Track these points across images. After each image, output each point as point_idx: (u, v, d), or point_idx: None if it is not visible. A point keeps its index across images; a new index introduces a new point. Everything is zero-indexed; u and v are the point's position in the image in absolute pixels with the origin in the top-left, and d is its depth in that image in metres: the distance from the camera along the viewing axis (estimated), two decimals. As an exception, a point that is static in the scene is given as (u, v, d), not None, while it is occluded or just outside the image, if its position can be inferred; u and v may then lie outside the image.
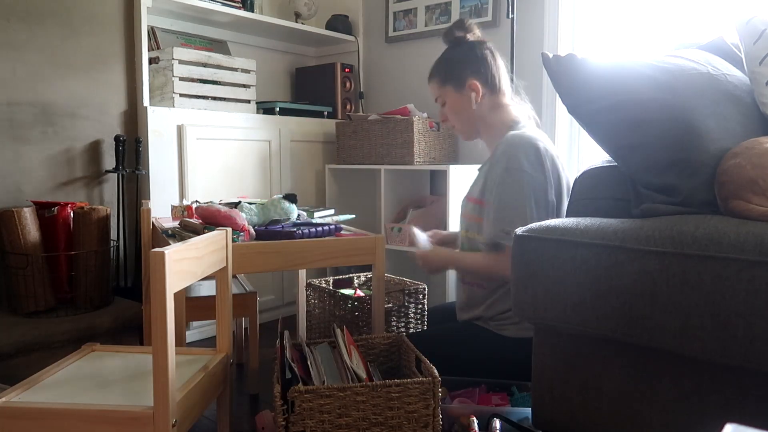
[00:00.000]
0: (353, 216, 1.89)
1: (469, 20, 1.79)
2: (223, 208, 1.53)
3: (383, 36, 2.94)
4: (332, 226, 1.63)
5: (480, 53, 1.73)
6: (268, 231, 1.53)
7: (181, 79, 2.23)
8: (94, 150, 2.17)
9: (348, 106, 2.92)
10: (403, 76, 2.89)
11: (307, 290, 1.97)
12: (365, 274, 2.16)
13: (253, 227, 1.59)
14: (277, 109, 2.60)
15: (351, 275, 2.12)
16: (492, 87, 1.73)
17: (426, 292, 1.92)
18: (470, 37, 1.76)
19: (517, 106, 1.77)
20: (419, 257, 1.75)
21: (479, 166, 1.81)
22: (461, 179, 2.31)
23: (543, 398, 1.28)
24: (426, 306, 1.92)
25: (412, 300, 1.88)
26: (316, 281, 2.02)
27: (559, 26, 2.38)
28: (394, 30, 2.89)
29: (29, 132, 2.02)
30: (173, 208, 1.85)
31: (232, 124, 2.36)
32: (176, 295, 0.96)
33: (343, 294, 1.83)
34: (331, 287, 1.98)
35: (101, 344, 1.27)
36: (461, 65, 1.73)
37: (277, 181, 2.53)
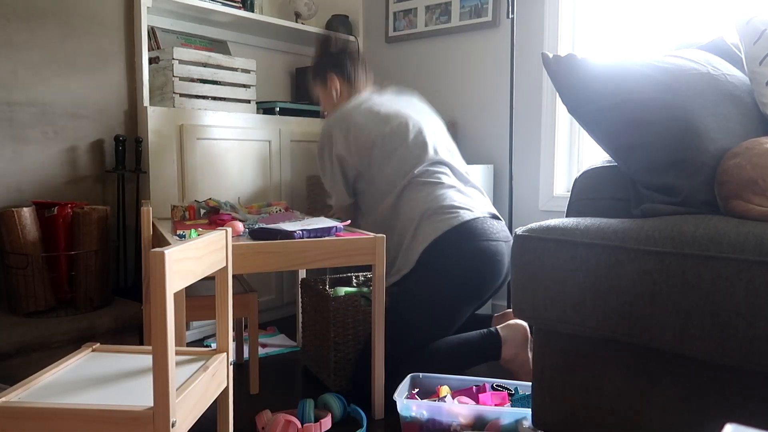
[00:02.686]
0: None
1: (334, 37, 2.19)
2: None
3: (383, 36, 2.94)
4: (332, 226, 1.63)
5: (339, 54, 2.10)
6: (267, 231, 1.53)
7: (181, 79, 2.23)
8: (94, 150, 2.17)
9: (348, 106, 2.92)
10: (403, 76, 2.88)
11: (300, 288, 1.98)
12: (363, 273, 2.16)
13: (251, 227, 1.59)
14: (277, 109, 2.60)
15: (349, 274, 2.12)
16: (348, 79, 2.08)
17: None
18: (331, 40, 2.15)
19: (367, 91, 2.08)
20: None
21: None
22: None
23: (543, 398, 1.28)
24: None
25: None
26: (309, 280, 2.02)
27: (559, 26, 2.37)
28: (394, 30, 2.89)
29: (29, 132, 2.02)
30: (173, 207, 1.85)
31: (232, 124, 2.36)
32: (176, 295, 0.96)
33: (329, 294, 1.82)
34: (327, 287, 1.98)
35: (101, 344, 1.27)
36: (321, 63, 2.14)
37: (277, 181, 2.53)
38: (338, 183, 1.96)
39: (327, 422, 1.51)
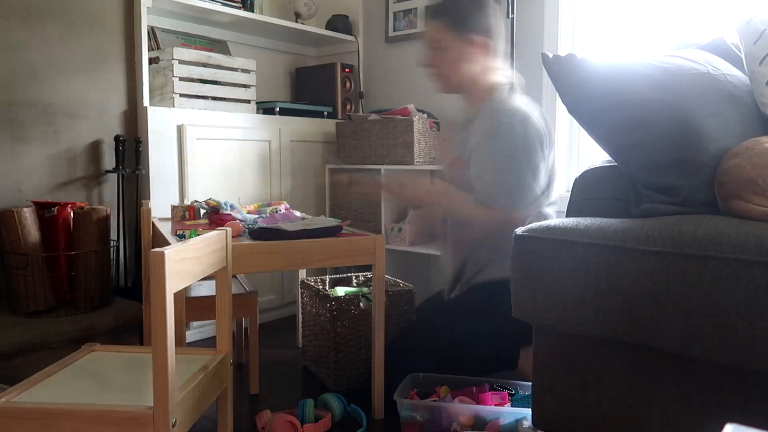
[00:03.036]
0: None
1: None
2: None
3: (383, 36, 2.94)
4: (332, 226, 1.63)
5: (493, 12, 1.67)
6: (267, 231, 1.53)
7: (181, 79, 2.23)
8: (94, 150, 2.17)
9: (348, 106, 2.92)
10: (403, 76, 2.88)
11: (300, 289, 1.98)
12: (364, 273, 2.16)
13: (251, 227, 1.59)
14: (277, 109, 2.60)
15: (349, 274, 2.12)
16: (493, 50, 1.68)
17: (414, 294, 1.93)
18: None
19: (505, 70, 1.74)
20: (395, 182, 1.73)
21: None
22: (461, 179, 2.31)
23: (543, 398, 1.28)
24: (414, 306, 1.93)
25: (395, 301, 1.88)
26: (309, 280, 2.01)
27: (559, 26, 2.37)
28: (394, 30, 2.89)
29: (29, 132, 2.02)
30: (174, 208, 1.85)
31: (232, 124, 2.36)
32: (176, 295, 0.96)
33: (329, 294, 1.83)
34: (327, 287, 1.98)
35: (101, 344, 1.27)
36: (473, 17, 1.65)
37: (277, 181, 2.53)
38: (523, 187, 1.60)
39: (327, 422, 1.51)
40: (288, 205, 1.91)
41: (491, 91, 1.69)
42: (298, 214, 1.83)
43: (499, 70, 1.71)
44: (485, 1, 1.67)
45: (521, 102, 1.64)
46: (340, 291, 1.91)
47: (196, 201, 1.92)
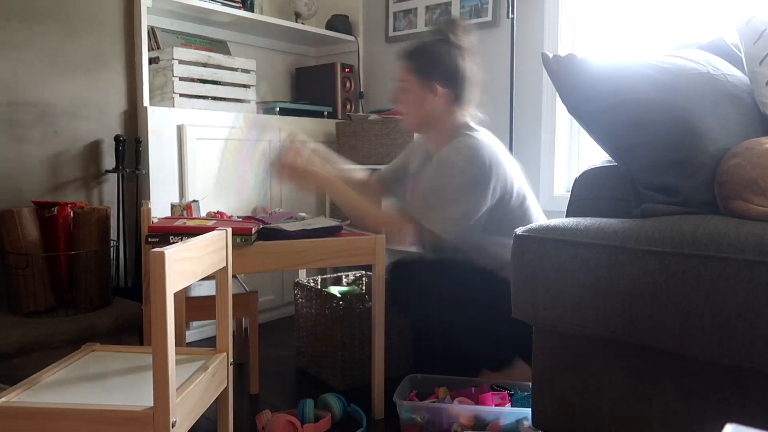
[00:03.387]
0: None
1: (467, 24, 1.76)
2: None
3: (383, 36, 2.94)
4: (332, 226, 1.63)
5: (461, 64, 1.70)
6: (269, 231, 1.53)
7: (181, 79, 2.23)
8: (94, 150, 2.17)
9: (348, 106, 2.92)
10: (403, 76, 2.88)
11: (294, 289, 1.97)
12: (353, 273, 2.17)
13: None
14: (277, 109, 2.60)
15: (339, 274, 2.13)
16: (458, 98, 1.72)
17: None
18: (460, 41, 1.72)
19: (468, 113, 1.77)
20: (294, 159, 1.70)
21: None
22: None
23: (543, 398, 1.28)
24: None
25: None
26: (303, 280, 2.01)
27: (559, 26, 2.38)
28: (394, 30, 2.89)
29: (29, 132, 2.02)
30: (173, 207, 1.85)
31: (232, 124, 2.36)
32: (176, 295, 0.96)
33: (330, 293, 1.83)
34: (319, 286, 1.98)
35: (101, 344, 1.27)
36: (438, 67, 1.70)
37: (277, 181, 2.53)
38: (468, 215, 1.64)
39: (327, 422, 1.51)
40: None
41: (450, 132, 1.73)
42: (299, 214, 1.83)
43: (463, 114, 1.74)
44: (456, 52, 1.70)
45: (480, 138, 1.68)
46: (334, 290, 1.91)
47: (195, 200, 1.92)
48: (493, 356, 1.72)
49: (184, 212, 1.83)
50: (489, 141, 1.69)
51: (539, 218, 1.75)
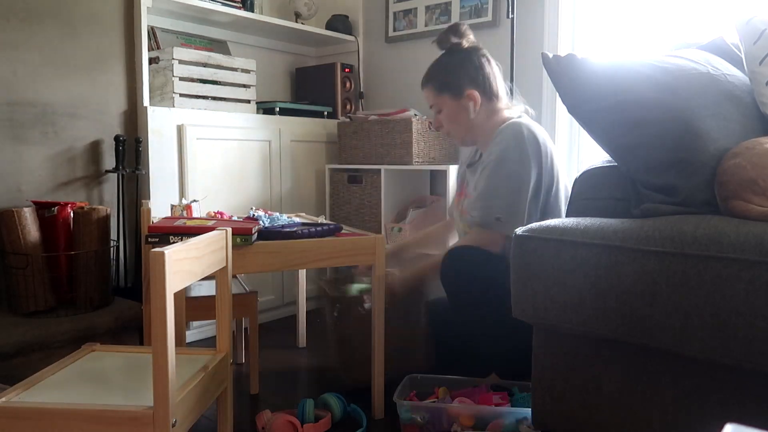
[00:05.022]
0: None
1: (464, 25, 1.79)
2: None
3: (383, 36, 2.94)
4: (332, 226, 1.63)
5: (477, 61, 1.74)
6: (268, 231, 1.53)
7: (181, 79, 2.23)
8: (94, 150, 2.17)
9: (348, 106, 2.92)
10: (403, 76, 2.88)
11: (323, 290, 1.90)
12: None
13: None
14: (277, 109, 2.60)
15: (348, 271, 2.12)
16: (489, 95, 1.75)
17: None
18: (465, 43, 1.77)
19: (512, 108, 1.79)
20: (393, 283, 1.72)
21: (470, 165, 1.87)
22: (461, 179, 2.31)
23: (543, 398, 1.28)
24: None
25: None
26: (329, 280, 1.98)
27: (559, 26, 2.38)
28: (394, 30, 2.89)
29: (29, 132, 2.02)
30: (173, 207, 1.85)
31: (232, 124, 2.36)
32: (176, 295, 0.96)
33: (334, 297, 1.82)
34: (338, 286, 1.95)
35: (101, 344, 1.27)
36: (458, 74, 1.74)
37: (277, 181, 2.53)
38: (521, 204, 1.62)
39: (327, 422, 1.51)
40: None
41: (499, 127, 1.73)
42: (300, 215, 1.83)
43: (503, 111, 1.76)
44: (465, 57, 1.75)
45: (526, 124, 1.66)
46: (354, 289, 1.91)
47: (194, 200, 1.92)
48: (512, 365, 1.67)
49: (184, 212, 1.83)
50: (532, 124, 1.68)
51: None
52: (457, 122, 1.77)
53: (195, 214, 1.81)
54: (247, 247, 1.44)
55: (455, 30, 1.76)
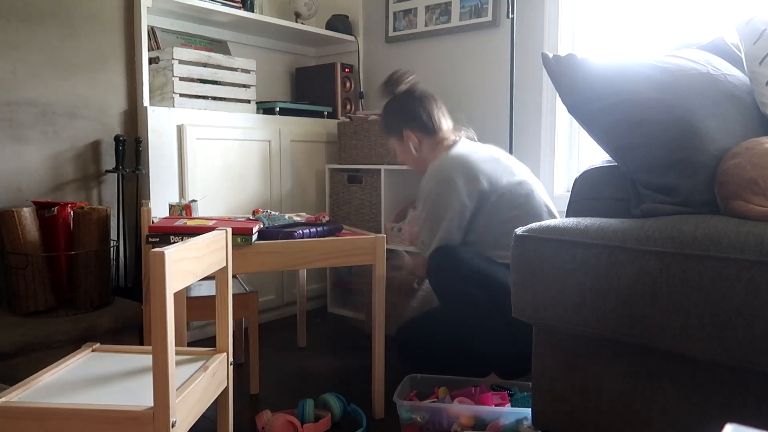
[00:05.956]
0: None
1: (399, 72, 1.97)
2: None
3: (383, 36, 2.94)
4: (333, 226, 1.63)
5: (410, 104, 1.92)
6: (269, 231, 1.53)
7: (181, 79, 2.23)
8: (94, 150, 2.17)
9: (348, 106, 2.92)
10: (403, 76, 2.88)
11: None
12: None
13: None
14: (277, 109, 2.60)
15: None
16: (426, 130, 1.92)
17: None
18: (402, 88, 1.95)
19: (453, 135, 1.95)
20: (415, 265, 1.97)
21: None
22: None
23: (543, 398, 1.28)
24: None
25: None
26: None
27: (559, 26, 2.37)
28: (394, 30, 2.89)
29: (29, 132, 2.02)
30: (171, 206, 1.85)
31: (232, 124, 2.36)
32: (176, 294, 0.96)
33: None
34: None
35: (101, 344, 1.27)
36: (396, 118, 1.95)
37: (277, 181, 2.53)
38: (452, 228, 1.75)
39: (327, 422, 1.51)
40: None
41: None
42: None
43: (446, 140, 1.92)
44: (399, 102, 1.95)
45: (447, 154, 1.83)
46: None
47: (194, 200, 1.92)
48: (509, 364, 1.69)
49: (183, 212, 1.83)
50: (459, 151, 1.82)
51: (546, 211, 1.81)
52: (406, 158, 1.98)
53: (194, 214, 1.81)
54: (247, 247, 1.44)
55: (391, 80, 1.97)
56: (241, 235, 1.41)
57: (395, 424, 1.55)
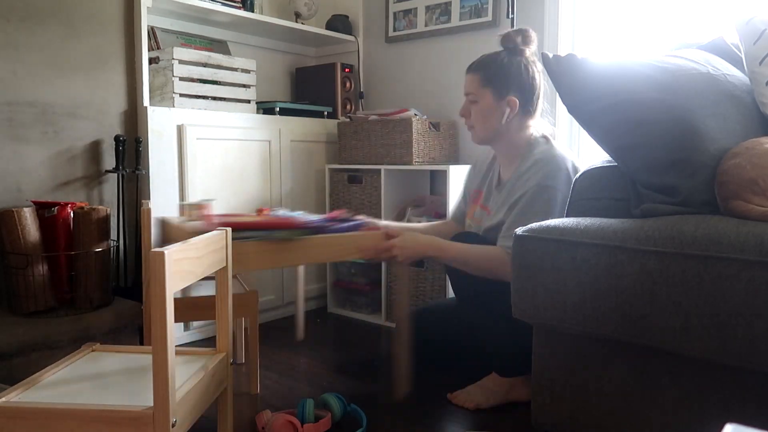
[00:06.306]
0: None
1: (533, 33, 1.76)
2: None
3: (383, 36, 2.94)
4: (358, 221, 1.69)
5: (531, 73, 1.72)
6: (317, 225, 1.60)
7: (181, 79, 2.23)
8: (94, 150, 2.17)
9: (348, 106, 2.92)
10: (403, 76, 2.88)
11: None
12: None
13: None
14: (277, 109, 2.60)
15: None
16: (527, 109, 1.73)
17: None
18: (528, 51, 1.74)
19: (539, 125, 1.78)
20: (392, 245, 1.62)
21: (483, 177, 1.88)
22: (461, 179, 2.31)
23: (543, 398, 1.28)
24: None
25: None
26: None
27: (559, 26, 2.37)
28: (394, 30, 2.89)
29: (29, 132, 2.02)
30: (182, 206, 1.83)
31: (232, 124, 2.36)
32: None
33: None
34: None
35: (101, 344, 1.27)
36: (510, 76, 1.71)
37: (277, 181, 2.53)
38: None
39: (327, 422, 1.51)
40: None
41: (523, 147, 1.72)
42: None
43: (533, 127, 1.75)
44: (523, 64, 1.72)
45: (563, 155, 1.65)
46: None
47: (205, 200, 1.90)
48: (513, 362, 1.65)
49: (197, 212, 1.82)
50: (567, 155, 1.66)
51: None
52: (486, 120, 1.73)
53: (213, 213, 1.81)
54: (304, 240, 1.50)
55: (524, 35, 1.73)
56: (300, 229, 1.50)
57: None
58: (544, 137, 1.74)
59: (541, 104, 1.76)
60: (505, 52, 1.74)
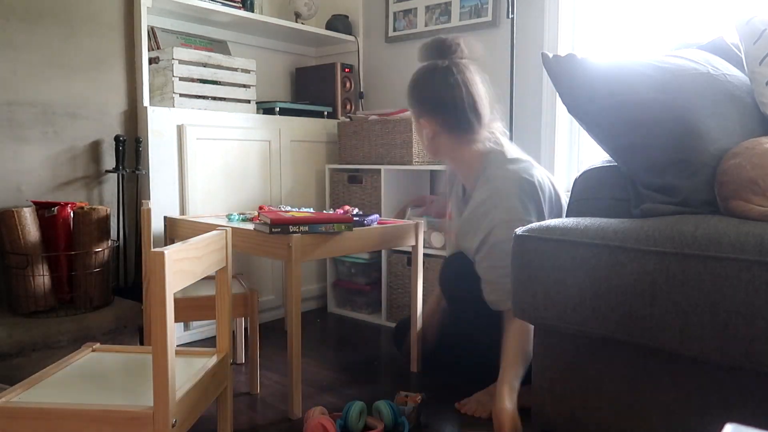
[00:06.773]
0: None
1: (449, 39, 1.63)
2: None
3: (383, 36, 2.94)
4: (376, 216, 1.85)
5: (454, 90, 1.59)
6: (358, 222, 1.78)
7: (181, 79, 2.23)
8: (94, 150, 2.17)
9: (348, 106, 2.92)
10: (403, 76, 2.88)
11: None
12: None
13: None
14: (277, 109, 2.60)
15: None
16: (458, 126, 1.61)
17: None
18: (448, 63, 1.62)
19: (488, 134, 1.66)
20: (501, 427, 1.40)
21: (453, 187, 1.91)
22: (461, 179, 2.31)
23: (543, 398, 1.28)
24: None
25: None
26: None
27: (559, 26, 2.37)
28: (394, 30, 2.89)
29: (29, 132, 2.02)
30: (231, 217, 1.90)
31: (232, 124, 2.36)
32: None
33: None
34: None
35: (101, 344, 1.27)
36: (423, 99, 1.63)
37: (277, 181, 2.53)
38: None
39: None
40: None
41: (480, 161, 1.65)
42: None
43: (480, 139, 1.64)
44: (442, 79, 1.60)
45: (514, 165, 1.59)
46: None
47: (280, 206, 1.91)
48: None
49: (252, 214, 1.86)
50: (517, 162, 1.60)
51: None
52: (422, 141, 1.71)
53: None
54: (347, 233, 1.67)
55: (438, 46, 1.62)
56: (345, 223, 1.63)
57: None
58: (497, 144, 1.65)
59: (485, 113, 1.63)
60: (423, 71, 1.65)
